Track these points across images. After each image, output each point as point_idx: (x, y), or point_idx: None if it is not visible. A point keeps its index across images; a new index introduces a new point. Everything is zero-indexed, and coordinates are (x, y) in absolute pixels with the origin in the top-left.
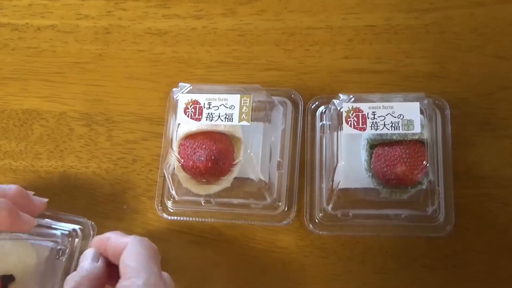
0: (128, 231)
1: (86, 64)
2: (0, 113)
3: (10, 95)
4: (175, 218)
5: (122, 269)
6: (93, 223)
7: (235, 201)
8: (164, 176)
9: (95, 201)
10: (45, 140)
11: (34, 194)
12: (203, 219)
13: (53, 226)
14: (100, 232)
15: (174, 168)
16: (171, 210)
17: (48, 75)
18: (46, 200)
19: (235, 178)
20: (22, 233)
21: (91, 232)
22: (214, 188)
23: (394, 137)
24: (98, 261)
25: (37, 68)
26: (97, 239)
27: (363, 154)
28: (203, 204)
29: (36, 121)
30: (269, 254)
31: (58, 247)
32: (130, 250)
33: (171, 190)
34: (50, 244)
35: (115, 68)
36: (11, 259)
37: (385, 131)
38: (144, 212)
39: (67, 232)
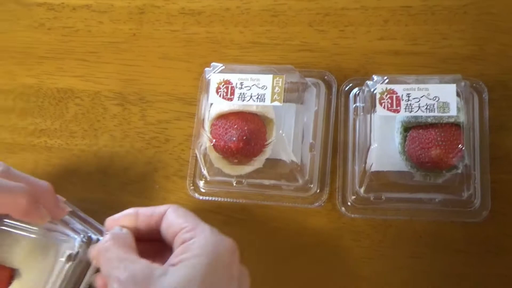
0: None
1: (121, 43)
2: (36, 91)
3: (46, 74)
4: (207, 198)
5: (171, 228)
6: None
7: (266, 182)
8: (196, 156)
9: (128, 180)
10: (79, 119)
11: (65, 202)
12: (234, 200)
13: (72, 227)
14: None
15: (206, 148)
16: (203, 190)
17: (83, 54)
18: (69, 209)
19: (267, 159)
20: (39, 230)
21: None
22: (246, 169)
23: (429, 119)
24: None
25: (72, 47)
26: (120, 216)
27: (397, 137)
28: (234, 184)
29: (71, 100)
30: (300, 236)
31: (70, 252)
32: (175, 213)
33: (202, 170)
34: (64, 246)
35: (149, 48)
36: (22, 253)
37: (419, 113)
38: (176, 191)
39: (83, 238)
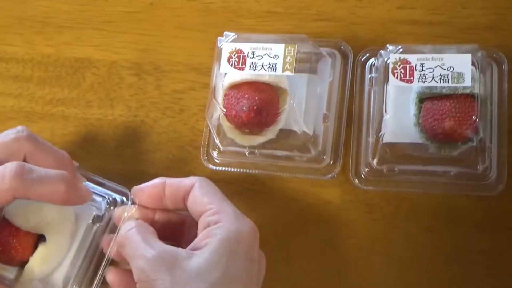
0: None
1: (138, 13)
2: (54, 61)
3: (64, 43)
4: (220, 168)
5: (198, 207)
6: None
7: (279, 153)
8: (210, 127)
9: (142, 150)
10: (96, 89)
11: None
12: (247, 170)
13: (94, 191)
14: (145, 180)
15: (219, 118)
16: (216, 161)
17: (101, 24)
18: (84, 179)
19: (280, 130)
20: None
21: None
22: (259, 139)
23: (444, 90)
24: None
25: (90, 17)
26: (148, 186)
27: (412, 108)
28: (247, 155)
29: (88, 69)
30: (312, 207)
31: (96, 214)
32: (201, 190)
33: (215, 140)
34: (89, 209)
35: (165, 18)
36: (47, 219)
37: (433, 83)
38: (190, 161)
39: (108, 199)
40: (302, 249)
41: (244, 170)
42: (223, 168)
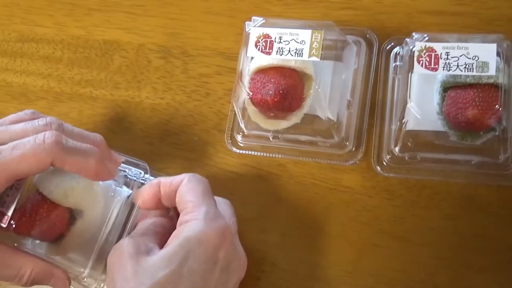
0: (199, 162)
1: None
2: (84, 43)
3: (94, 26)
4: (244, 152)
5: (180, 205)
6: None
7: (302, 138)
8: (235, 110)
9: (168, 132)
10: (124, 71)
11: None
12: (270, 155)
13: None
14: (170, 161)
15: (244, 102)
16: (241, 144)
17: (130, 7)
18: (123, 159)
19: (305, 115)
20: None
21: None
22: (283, 124)
23: (468, 79)
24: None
25: (120, 0)
26: (146, 187)
27: (435, 97)
28: (271, 139)
29: (117, 52)
30: (333, 192)
31: (129, 192)
32: (187, 186)
33: (240, 123)
34: (125, 190)
35: (194, 3)
36: (81, 194)
37: (458, 72)
38: (214, 144)
39: (140, 176)
40: (322, 232)
41: (268, 154)
42: (247, 152)
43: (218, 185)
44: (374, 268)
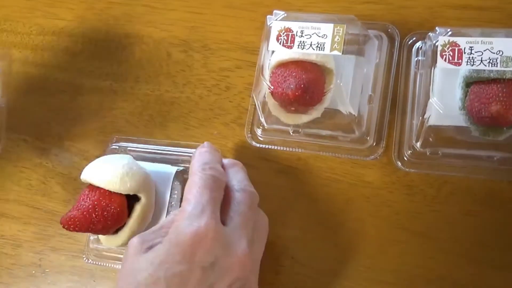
0: None
1: None
2: (104, 36)
3: (114, 19)
4: (263, 146)
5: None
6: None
7: (323, 132)
8: (255, 104)
9: (188, 125)
10: (144, 64)
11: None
12: (290, 149)
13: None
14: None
15: (265, 96)
16: (260, 138)
17: (150, 1)
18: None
19: (325, 110)
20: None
21: None
22: (303, 118)
23: (492, 74)
24: None
25: None
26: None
27: (458, 92)
28: (291, 133)
29: (137, 45)
30: (353, 187)
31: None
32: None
33: (260, 117)
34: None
35: None
36: (139, 178)
37: (481, 67)
38: (234, 138)
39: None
40: (342, 227)
41: (287, 149)
42: (267, 146)
43: None
44: (393, 263)
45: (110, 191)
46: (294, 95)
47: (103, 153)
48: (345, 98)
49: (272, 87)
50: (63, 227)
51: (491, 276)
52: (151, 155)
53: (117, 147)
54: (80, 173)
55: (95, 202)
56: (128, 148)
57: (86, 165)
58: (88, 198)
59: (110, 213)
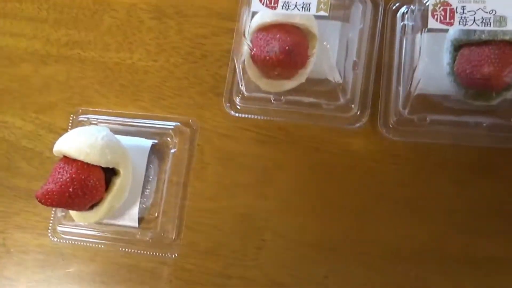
0: (195, 126)
1: None
2: (71, 2)
3: None
4: (243, 115)
5: None
6: (191, 121)
7: (306, 100)
8: (234, 71)
9: (162, 95)
10: (114, 32)
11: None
12: (271, 118)
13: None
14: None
15: (244, 62)
16: (239, 107)
17: None
18: None
19: (309, 77)
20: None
21: (194, 127)
22: (286, 85)
23: (483, 36)
24: None
25: None
26: None
27: (446, 57)
28: (273, 101)
29: (106, 12)
30: (337, 157)
31: (168, 139)
32: None
33: (240, 85)
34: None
35: None
36: (120, 153)
37: (474, 27)
38: (211, 108)
39: (172, 127)
40: (325, 198)
41: (268, 118)
42: (246, 115)
43: (215, 149)
44: (380, 234)
45: (88, 164)
46: (278, 58)
47: (70, 126)
48: (333, 62)
49: (255, 49)
50: (39, 201)
51: (481, 244)
52: (124, 127)
53: (86, 119)
54: (48, 147)
55: (73, 175)
56: (99, 120)
57: (53, 138)
58: (64, 171)
59: (89, 186)
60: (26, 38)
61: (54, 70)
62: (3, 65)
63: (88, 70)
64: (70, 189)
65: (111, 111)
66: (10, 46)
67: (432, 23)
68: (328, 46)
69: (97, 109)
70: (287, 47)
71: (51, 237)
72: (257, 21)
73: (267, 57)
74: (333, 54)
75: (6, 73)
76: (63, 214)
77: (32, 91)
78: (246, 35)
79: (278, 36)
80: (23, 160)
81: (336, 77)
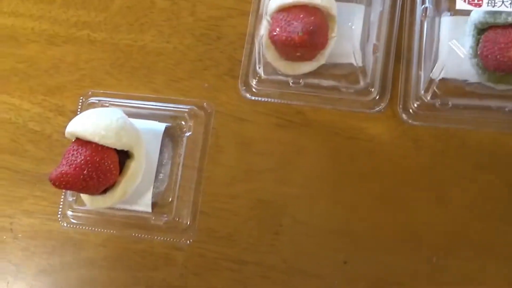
0: (209, 109)
1: None
2: None
3: None
4: (259, 98)
5: None
6: (205, 104)
7: (325, 83)
8: (250, 54)
9: (176, 77)
10: (125, 13)
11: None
12: (288, 102)
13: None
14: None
15: (263, 45)
16: (255, 90)
17: None
18: None
19: (328, 60)
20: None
21: (209, 111)
22: (304, 68)
23: (510, 19)
24: None
25: None
26: None
27: (468, 41)
28: (291, 84)
29: None
30: (356, 142)
31: (182, 122)
32: None
33: (258, 67)
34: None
35: None
36: (134, 136)
37: (503, 8)
38: (226, 91)
39: (187, 111)
40: (344, 184)
41: (286, 101)
42: (262, 99)
43: (231, 133)
44: (400, 220)
45: (103, 146)
46: (301, 39)
47: (80, 108)
48: (357, 45)
49: (278, 30)
50: (53, 184)
51: (501, 230)
52: (136, 110)
53: (97, 101)
54: (57, 130)
55: (88, 158)
56: (111, 103)
57: (62, 121)
58: (78, 153)
59: (104, 169)
60: (33, 18)
61: (63, 51)
62: (9, 45)
63: (98, 52)
64: (85, 172)
65: (122, 93)
66: (16, 26)
67: (460, 4)
68: (353, 26)
69: (107, 92)
70: (311, 27)
71: (60, 222)
72: (276, 2)
73: (289, 38)
74: (357, 37)
75: (12, 53)
76: (74, 198)
77: (40, 72)
78: (268, 16)
79: (301, 16)
80: (30, 143)
81: (358, 61)
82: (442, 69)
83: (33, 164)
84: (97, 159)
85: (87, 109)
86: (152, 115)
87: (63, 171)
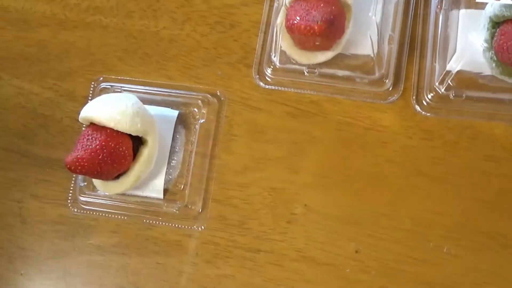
0: (222, 97)
1: None
2: None
3: None
4: (273, 87)
5: None
6: (219, 92)
7: (340, 73)
8: (264, 42)
9: (188, 65)
10: None
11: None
12: (302, 91)
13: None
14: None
15: (279, 32)
16: (269, 79)
17: None
18: None
19: (343, 50)
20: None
21: (222, 99)
22: (319, 58)
23: None
24: None
25: None
26: None
27: (483, 34)
28: (306, 73)
29: None
30: (369, 132)
31: (195, 109)
32: None
33: (273, 56)
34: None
35: None
36: (148, 122)
37: None
38: (240, 79)
39: (200, 98)
40: (357, 173)
41: (299, 91)
42: (276, 88)
43: (244, 122)
44: (412, 210)
45: (117, 132)
46: (320, 28)
47: (91, 93)
48: (376, 36)
49: (298, 18)
50: (69, 168)
51: None
52: (149, 96)
53: (109, 86)
54: (68, 115)
55: (103, 143)
56: (123, 88)
57: (73, 106)
58: (93, 138)
59: (119, 155)
60: (44, 2)
61: (74, 36)
62: (19, 28)
63: (110, 37)
64: (100, 157)
65: (134, 79)
66: (26, 9)
67: None
68: (373, 16)
69: (119, 77)
70: (332, 16)
71: (71, 207)
72: None
73: (309, 27)
74: (374, 28)
75: (22, 37)
76: (85, 183)
77: (51, 57)
78: (287, 4)
79: (321, 5)
80: (41, 128)
81: (375, 51)
82: (459, 62)
83: (43, 149)
84: (112, 145)
85: (98, 94)
86: (165, 102)
87: (78, 156)
